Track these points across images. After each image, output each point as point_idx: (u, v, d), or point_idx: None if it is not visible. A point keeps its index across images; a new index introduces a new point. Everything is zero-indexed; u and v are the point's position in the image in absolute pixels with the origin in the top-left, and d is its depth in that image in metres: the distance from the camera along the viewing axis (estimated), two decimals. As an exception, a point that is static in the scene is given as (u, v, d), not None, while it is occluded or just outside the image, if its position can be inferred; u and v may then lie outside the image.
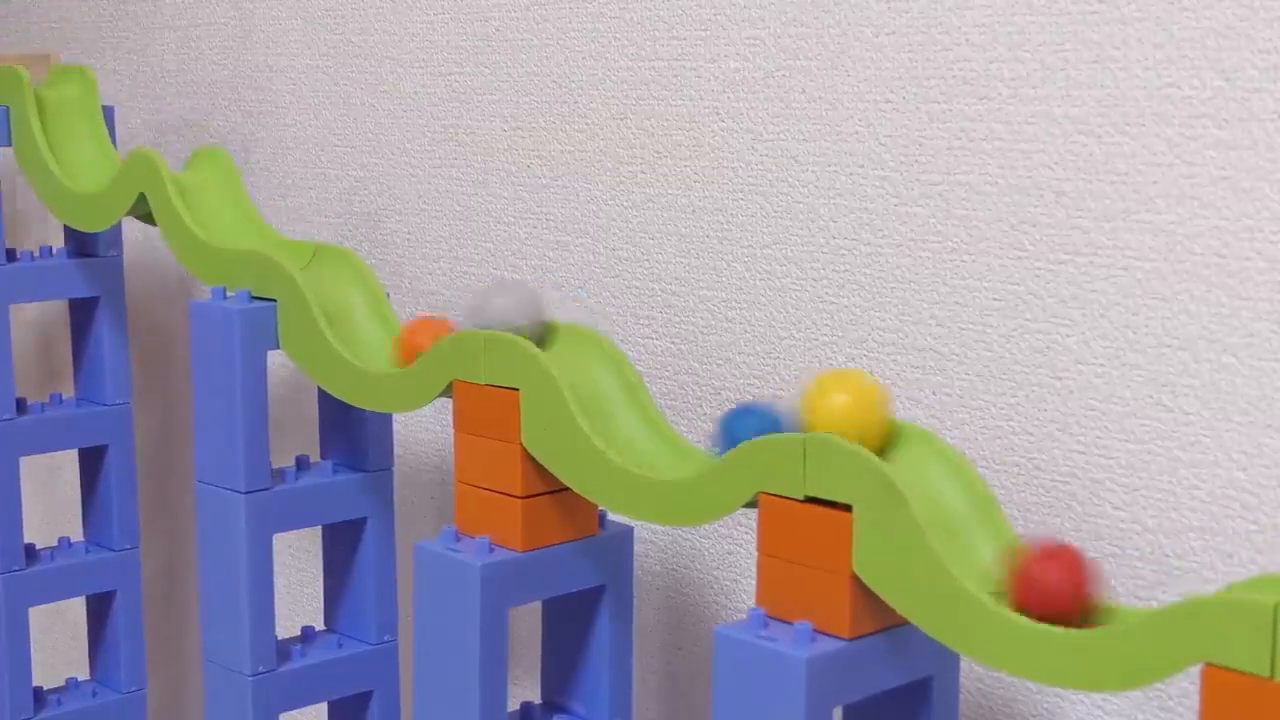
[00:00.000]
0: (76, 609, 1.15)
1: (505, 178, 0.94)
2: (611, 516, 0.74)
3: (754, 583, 0.79)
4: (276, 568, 0.93)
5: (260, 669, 0.85)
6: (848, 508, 0.59)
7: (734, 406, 0.67)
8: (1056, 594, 0.56)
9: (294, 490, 0.86)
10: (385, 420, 0.88)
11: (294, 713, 0.88)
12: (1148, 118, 0.66)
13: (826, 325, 0.79)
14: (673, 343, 0.86)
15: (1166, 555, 0.67)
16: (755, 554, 0.63)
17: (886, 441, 0.63)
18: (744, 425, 0.64)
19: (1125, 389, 0.68)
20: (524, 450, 0.71)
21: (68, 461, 1.22)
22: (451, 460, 0.96)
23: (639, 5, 0.85)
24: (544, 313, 0.75)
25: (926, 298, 0.74)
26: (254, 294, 0.85)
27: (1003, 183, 0.71)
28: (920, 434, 0.62)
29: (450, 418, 0.79)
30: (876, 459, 0.59)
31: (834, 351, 0.78)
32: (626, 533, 0.75)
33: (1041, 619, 0.55)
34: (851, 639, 0.60)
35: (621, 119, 0.87)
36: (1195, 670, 0.51)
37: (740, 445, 0.63)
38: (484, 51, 0.94)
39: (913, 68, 0.74)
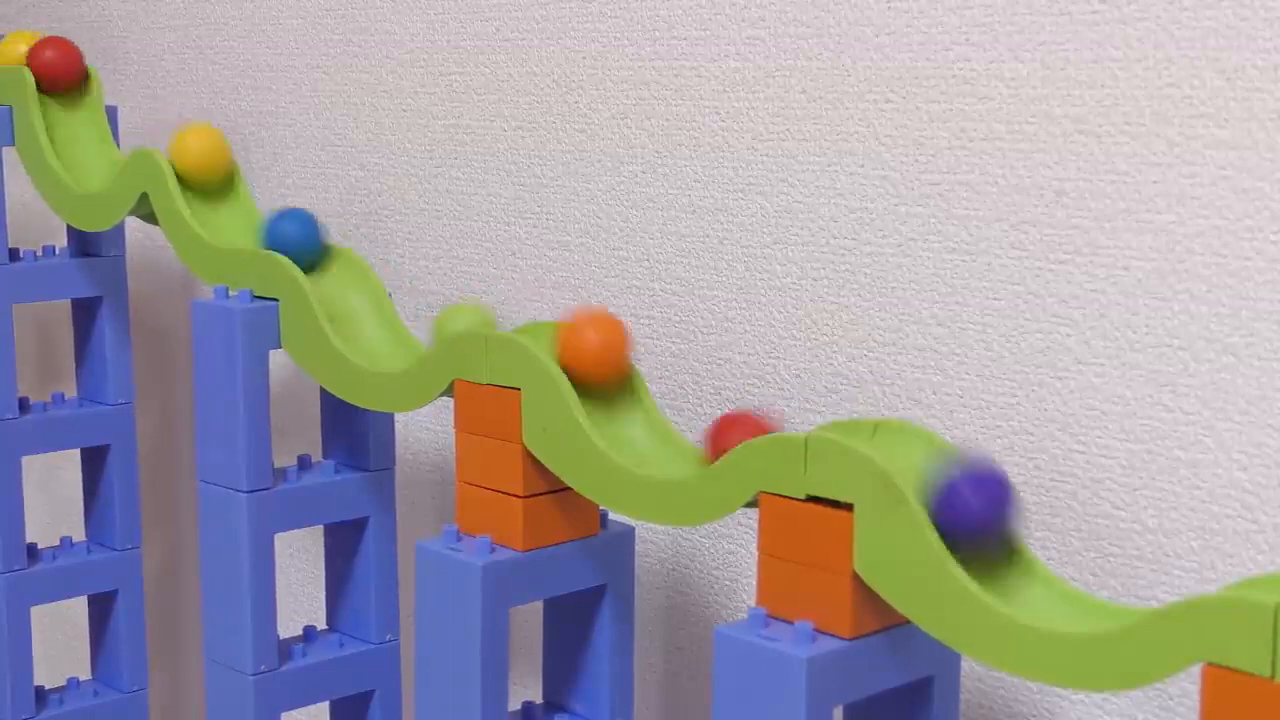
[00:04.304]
0: (78, 608, 1.15)
1: (505, 178, 0.94)
2: (613, 516, 0.74)
3: (754, 583, 0.79)
4: (278, 567, 0.93)
5: (262, 668, 0.85)
6: (849, 507, 0.60)
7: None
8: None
9: (296, 490, 0.86)
10: (387, 420, 0.88)
11: (295, 712, 0.88)
12: (1148, 118, 0.66)
13: (826, 325, 0.79)
14: (673, 343, 0.86)
15: (1166, 555, 0.67)
16: (755, 554, 0.63)
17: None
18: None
19: (1125, 389, 0.68)
20: (525, 450, 0.71)
21: (69, 461, 1.22)
22: (452, 460, 0.96)
23: (639, 5, 0.85)
24: None
25: (926, 298, 0.74)
26: (256, 293, 0.85)
27: (1003, 183, 0.71)
28: (920, 433, 0.62)
29: (451, 417, 0.79)
30: (878, 458, 0.59)
31: (834, 351, 0.78)
32: (628, 533, 0.75)
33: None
34: (852, 639, 0.60)
35: (621, 119, 0.87)
36: (1195, 670, 0.51)
37: (741, 445, 0.63)
38: (484, 51, 0.94)
39: (913, 68, 0.74)
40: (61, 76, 0.99)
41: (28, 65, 0.99)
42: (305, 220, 0.85)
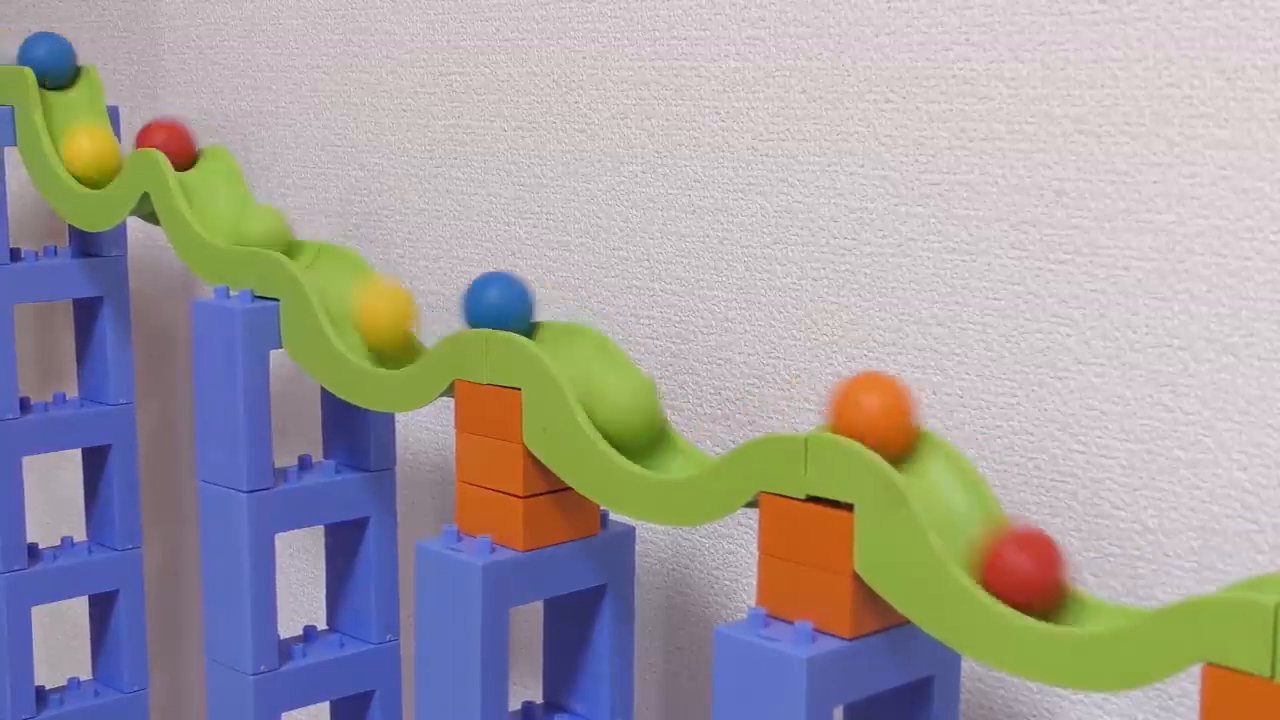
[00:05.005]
0: (79, 608, 1.15)
1: (505, 178, 0.94)
2: (613, 516, 0.74)
3: (754, 583, 0.79)
4: (279, 567, 0.93)
5: (262, 668, 0.85)
6: (849, 507, 0.60)
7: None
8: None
9: (296, 490, 0.86)
10: (387, 420, 0.88)
11: (296, 712, 0.88)
12: (1148, 118, 0.66)
13: (826, 325, 0.79)
14: (673, 343, 0.86)
15: (1166, 555, 0.67)
16: (756, 554, 0.63)
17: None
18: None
19: (1125, 389, 0.68)
20: (525, 450, 0.71)
21: (69, 461, 1.22)
22: (453, 460, 0.96)
23: (639, 5, 0.85)
24: None
25: (926, 298, 0.74)
26: (256, 293, 0.85)
27: (1003, 183, 0.71)
28: (920, 434, 0.62)
29: (451, 417, 0.79)
30: (878, 458, 0.59)
31: (834, 351, 0.78)
32: (628, 533, 0.75)
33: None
34: (852, 639, 0.60)
35: (621, 119, 0.87)
36: (1195, 670, 0.51)
37: (741, 445, 0.63)
38: (484, 51, 0.94)
39: (913, 68, 0.74)
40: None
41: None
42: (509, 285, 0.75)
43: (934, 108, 0.73)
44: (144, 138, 0.94)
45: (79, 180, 0.97)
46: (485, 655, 0.71)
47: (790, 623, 0.61)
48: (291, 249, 0.88)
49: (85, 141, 0.97)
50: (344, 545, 0.90)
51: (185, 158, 0.94)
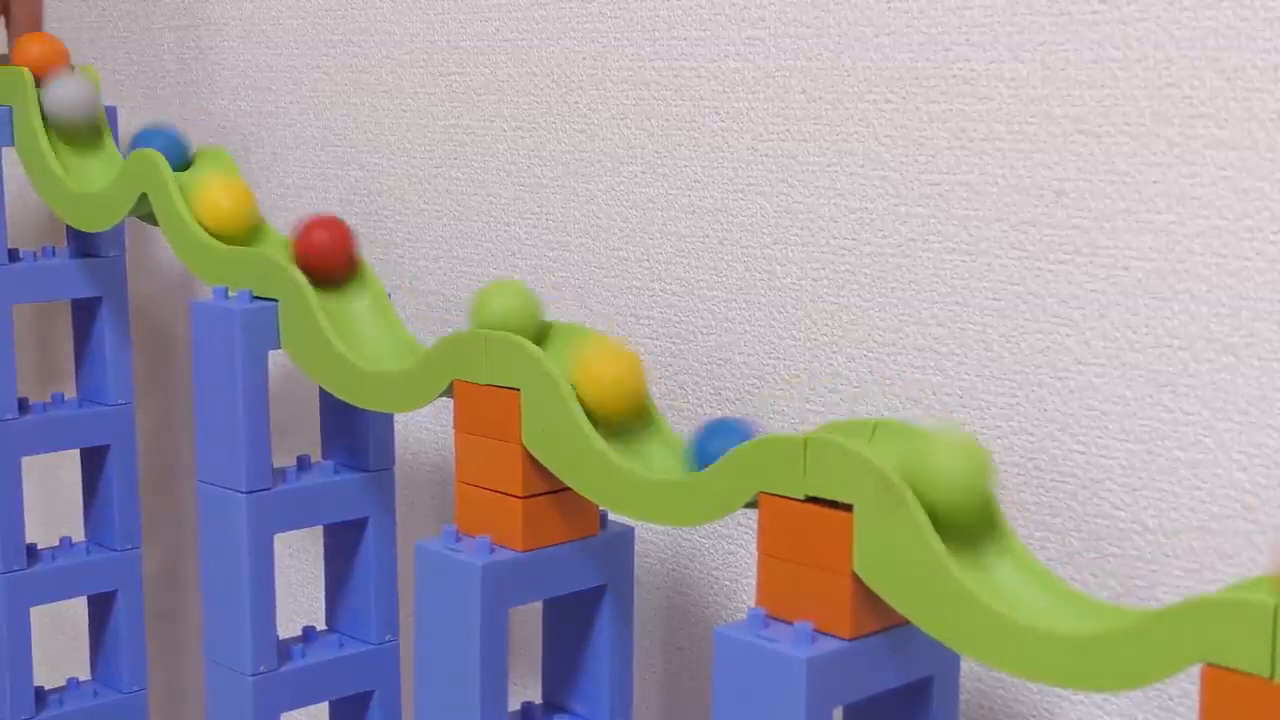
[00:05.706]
0: (78, 609, 1.15)
1: (505, 178, 0.94)
2: (612, 517, 0.74)
3: (754, 583, 0.79)
4: (278, 567, 0.93)
5: (261, 669, 0.85)
6: (848, 507, 0.59)
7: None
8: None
9: (295, 490, 0.86)
10: (386, 420, 0.88)
11: (295, 713, 0.88)
12: (1148, 118, 0.66)
13: (826, 325, 0.79)
14: (673, 343, 0.86)
15: (1166, 555, 0.67)
16: (755, 554, 0.63)
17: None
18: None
19: (1125, 389, 0.68)
20: (525, 450, 0.71)
21: (69, 461, 1.22)
22: (452, 460, 0.96)
23: (639, 5, 0.85)
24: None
25: (926, 298, 0.74)
26: (255, 294, 0.85)
27: (1003, 183, 0.71)
28: (920, 434, 0.62)
29: (451, 418, 0.79)
30: (877, 458, 0.59)
31: (834, 351, 0.78)
32: (627, 533, 0.75)
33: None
34: (852, 639, 0.60)
35: (621, 119, 0.87)
36: (1195, 670, 0.51)
37: (740, 446, 0.63)
38: (484, 51, 0.94)
39: (913, 68, 0.74)
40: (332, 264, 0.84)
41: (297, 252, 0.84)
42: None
43: (934, 108, 0.73)
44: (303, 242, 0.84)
45: (210, 233, 0.88)
46: (485, 655, 0.71)
47: (790, 623, 0.61)
48: (289, 248, 0.88)
49: (222, 196, 0.88)
50: (343, 545, 0.90)
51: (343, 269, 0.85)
